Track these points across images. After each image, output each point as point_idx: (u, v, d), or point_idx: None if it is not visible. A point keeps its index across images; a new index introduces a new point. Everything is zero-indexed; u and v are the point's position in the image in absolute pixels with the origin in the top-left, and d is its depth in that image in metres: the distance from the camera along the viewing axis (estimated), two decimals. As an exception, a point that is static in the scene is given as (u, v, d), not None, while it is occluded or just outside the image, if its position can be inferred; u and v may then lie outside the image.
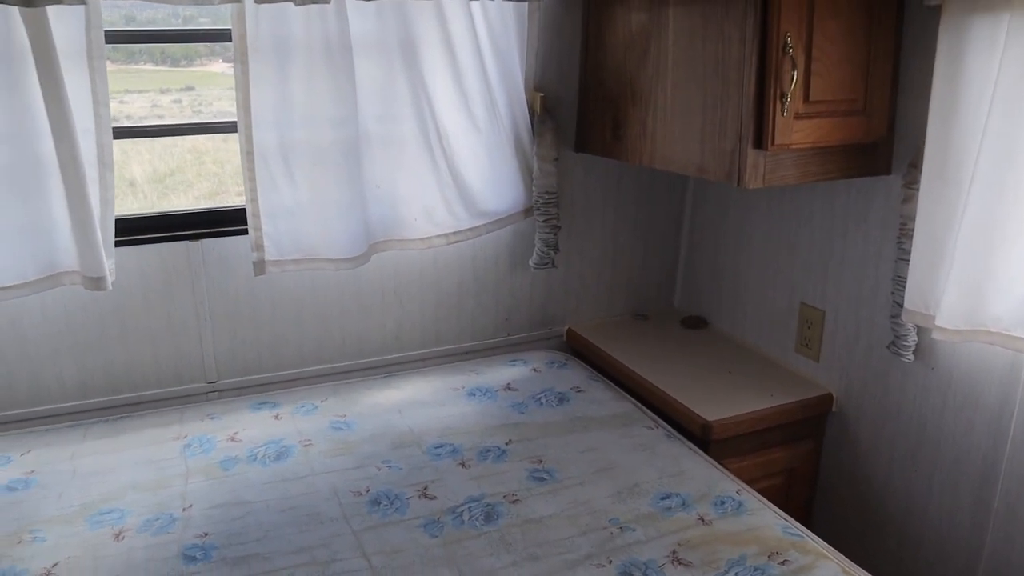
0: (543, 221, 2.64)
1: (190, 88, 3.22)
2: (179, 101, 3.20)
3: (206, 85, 3.23)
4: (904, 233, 2.12)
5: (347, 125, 2.28)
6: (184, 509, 1.86)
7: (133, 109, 3.07)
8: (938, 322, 1.99)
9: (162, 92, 3.18)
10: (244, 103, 2.19)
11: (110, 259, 2.17)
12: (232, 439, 2.17)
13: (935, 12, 1.93)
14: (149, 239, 2.34)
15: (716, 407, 2.32)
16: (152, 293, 2.37)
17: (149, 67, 3.09)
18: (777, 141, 1.96)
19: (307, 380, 2.60)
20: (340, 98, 2.25)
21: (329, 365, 2.64)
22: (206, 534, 1.77)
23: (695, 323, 2.94)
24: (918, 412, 2.23)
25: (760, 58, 1.93)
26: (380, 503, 1.90)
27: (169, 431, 2.21)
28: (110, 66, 2.09)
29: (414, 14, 2.29)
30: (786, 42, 1.90)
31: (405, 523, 1.82)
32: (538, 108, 2.58)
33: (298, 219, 2.34)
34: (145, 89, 3.16)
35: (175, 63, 3.18)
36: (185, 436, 2.18)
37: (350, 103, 2.27)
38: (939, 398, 2.17)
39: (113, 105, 2.10)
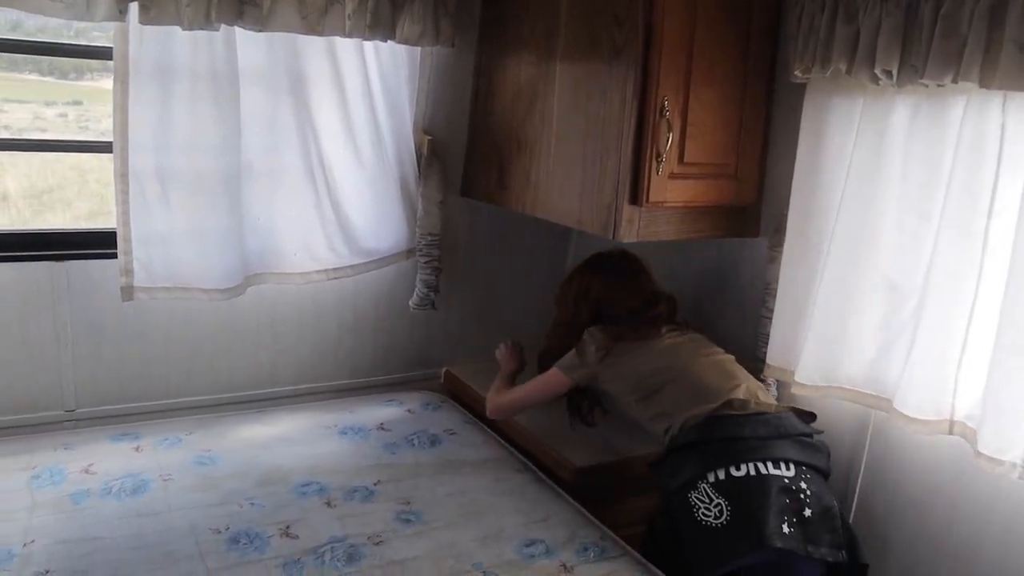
0: (425, 263, 2.64)
1: (77, 103, 3.10)
2: (64, 115, 3.07)
3: (96, 101, 3.10)
4: (768, 293, 2.22)
5: (229, 153, 2.25)
6: (25, 545, 1.75)
7: (13, 119, 2.93)
8: (797, 378, 2.09)
9: (47, 104, 3.04)
10: (121, 124, 2.13)
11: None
12: (86, 471, 2.06)
13: (802, 89, 2.05)
14: (7, 257, 2.23)
15: (587, 453, 2.34)
16: (6, 315, 2.26)
17: (34, 77, 2.96)
18: (652, 198, 2.04)
19: (174, 412, 2.50)
20: (224, 126, 2.22)
21: (197, 397, 2.55)
22: (47, 572, 1.67)
23: (572, 370, 2.97)
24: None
25: (639, 119, 2.01)
26: (239, 541, 1.84)
27: (16, 461, 2.09)
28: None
29: (305, 48, 2.29)
30: (663, 106, 1.98)
31: (264, 562, 1.77)
32: (425, 150, 2.60)
33: (172, 246, 2.28)
34: (28, 100, 3.02)
35: (63, 75, 3.05)
36: (35, 467, 2.06)
37: (234, 132, 2.24)
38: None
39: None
